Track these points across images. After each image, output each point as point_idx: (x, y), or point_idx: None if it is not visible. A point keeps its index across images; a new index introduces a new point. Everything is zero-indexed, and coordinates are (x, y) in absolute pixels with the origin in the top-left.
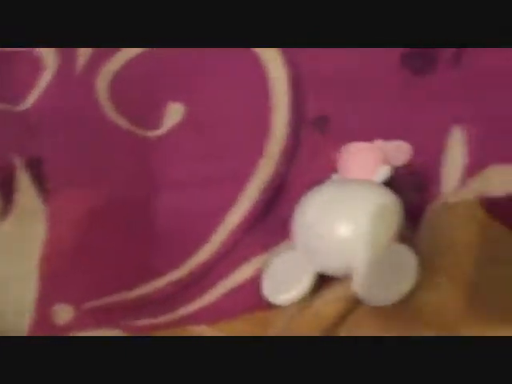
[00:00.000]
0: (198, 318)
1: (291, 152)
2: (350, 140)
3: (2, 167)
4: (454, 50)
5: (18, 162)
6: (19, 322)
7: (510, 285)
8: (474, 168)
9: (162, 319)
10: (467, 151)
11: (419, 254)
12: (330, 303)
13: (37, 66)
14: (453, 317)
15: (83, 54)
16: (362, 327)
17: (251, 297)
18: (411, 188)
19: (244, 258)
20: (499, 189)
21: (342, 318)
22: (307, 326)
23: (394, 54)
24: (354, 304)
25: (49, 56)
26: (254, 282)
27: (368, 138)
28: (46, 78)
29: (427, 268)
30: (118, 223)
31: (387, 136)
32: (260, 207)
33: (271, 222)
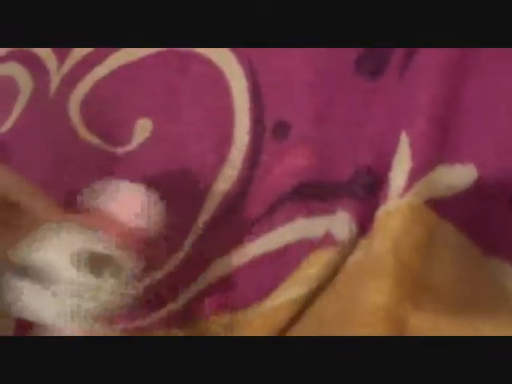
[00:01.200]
0: (169, 322)
1: (253, 159)
2: (309, 145)
3: None
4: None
5: None
6: (5, 326)
7: (458, 282)
8: (420, 171)
9: (135, 324)
10: (413, 154)
11: (370, 258)
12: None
13: (12, 92)
14: (402, 317)
15: (54, 79)
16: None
17: (218, 299)
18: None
19: (209, 263)
20: (446, 189)
21: (292, 321)
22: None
23: (349, 58)
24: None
25: (23, 80)
26: (221, 285)
27: (328, 141)
28: (21, 102)
29: (376, 272)
30: None
31: (344, 139)
32: (222, 213)
33: (234, 226)
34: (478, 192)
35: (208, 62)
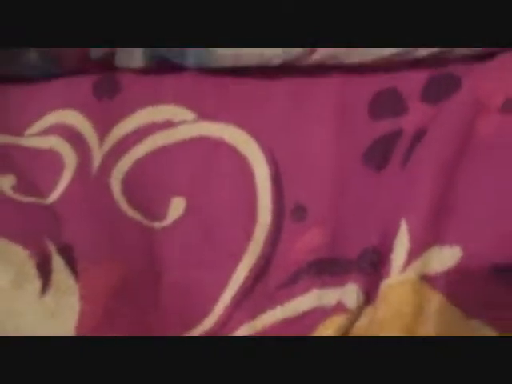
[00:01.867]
0: None
1: (274, 237)
2: (323, 227)
3: (39, 252)
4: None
5: (52, 248)
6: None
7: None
8: (416, 251)
9: None
10: (411, 238)
11: (375, 323)
12: None
13: (58, 165)
14: None
15: (96, 156)
16: None
17: None
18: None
19: (236, 327)
20: (437, 267)
21: None
22: None
23: (358, 151)
24: None
25: (68, 156)
26: None
27: (339, 224)
28: (67, 176)
29: (382, 333)
30: (134, 296)
31: (353, 222)
32: (248, 284)
33: (258, 296)
34: (463, 268)
35: (234, 150)
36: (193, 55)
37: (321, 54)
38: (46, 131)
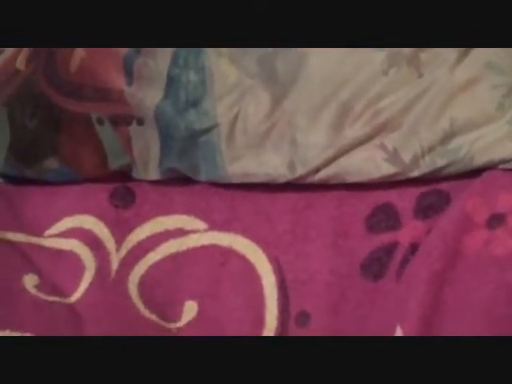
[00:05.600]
0: None
1: None
2: (325, 333)
3: None
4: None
5: None
6: None
7: None
8: None
9: None
10: None
11: None
12: None
13: (79, 266)
14: None
15: (114, 260)
16: None
17: None
18: None
19: None
20: None
21: None
22: None
23: (356, 262)
24: None
25: (87, 259)
26: None
27: (340, 331)
28: (87, 278)
29: None
30: None
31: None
32: None
33: None
34: None
35: (243, 258)
36: (205, 172)
37: (323, 173)
38: (65, 233)
